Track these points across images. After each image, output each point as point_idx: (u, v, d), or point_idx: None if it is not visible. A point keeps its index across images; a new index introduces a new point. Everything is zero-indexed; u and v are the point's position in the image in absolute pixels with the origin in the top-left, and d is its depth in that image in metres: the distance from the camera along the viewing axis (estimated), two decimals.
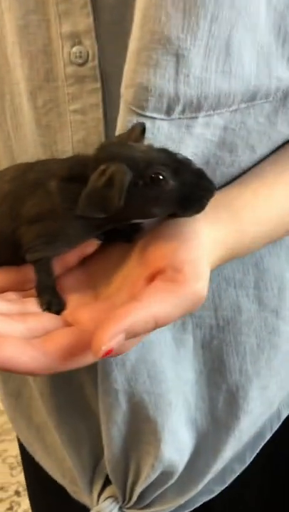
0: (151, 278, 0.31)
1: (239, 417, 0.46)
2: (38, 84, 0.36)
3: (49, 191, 0.32)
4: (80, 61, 0.35)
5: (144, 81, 0.32)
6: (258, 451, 0.50)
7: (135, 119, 0.33)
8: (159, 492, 0.48)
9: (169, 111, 0.34)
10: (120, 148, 0.31)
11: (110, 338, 0.26)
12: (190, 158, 0.32)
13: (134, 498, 0.48)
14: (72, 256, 0.35)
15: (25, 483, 0.69)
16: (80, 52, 0.35)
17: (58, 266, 0.34)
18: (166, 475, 0.46)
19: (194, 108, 0.34)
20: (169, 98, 0.33)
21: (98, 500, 0.50)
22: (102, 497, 0.50)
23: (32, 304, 0.33)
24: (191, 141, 0.35)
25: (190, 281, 0.29)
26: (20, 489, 1.65)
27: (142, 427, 0.45)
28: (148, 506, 0.49)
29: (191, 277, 0.30)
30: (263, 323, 0.45)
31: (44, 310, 0.32)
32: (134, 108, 0.33)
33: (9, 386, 0.52)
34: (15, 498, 1.64)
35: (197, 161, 0.34)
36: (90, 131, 0.36)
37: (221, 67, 0.33)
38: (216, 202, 0.33)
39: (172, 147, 0.33)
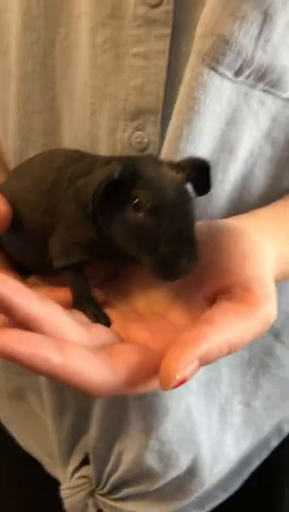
0: (212, 297, 0.28)
1: (226, 432, 0.43)
2: (101, 20, 0.34)
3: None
4: (155, 2, 0.33)
5: (227, 33, 0.30)
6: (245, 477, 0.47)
7: (206, 73, 0.31)
8: (136, 492, 0.44)
9: (238, 72, 0.32)
10: (149, 161, 0.28)
11: (185, 367, 0.22)
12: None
13: (108, 487, 0.45)
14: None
15: None
16: None
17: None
18: (146, 479, 0.43)
19: (259, 76, 0.32)
20: (245, 59, 0.31)
21: (72, 477, 0.47)
22: (77, 475, 0.47)
23: (82, 316, 0.29)
24: (246, 114, 0.33)
25: (262, 302, 0.26)
26: None
27: (131, 420, 0.40)
28: (121, 500, 0.45)
29: (263, 298, 0.26)
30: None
31: (93, 322, 0.28)
32: (208, 60, 0.31)
33: None
34: None
35: (246, 146, 0.33)
36: (150, 78, 0.34)
37: None
38: (267, 213, 0.32)
39: (228, 114, 0.32)
